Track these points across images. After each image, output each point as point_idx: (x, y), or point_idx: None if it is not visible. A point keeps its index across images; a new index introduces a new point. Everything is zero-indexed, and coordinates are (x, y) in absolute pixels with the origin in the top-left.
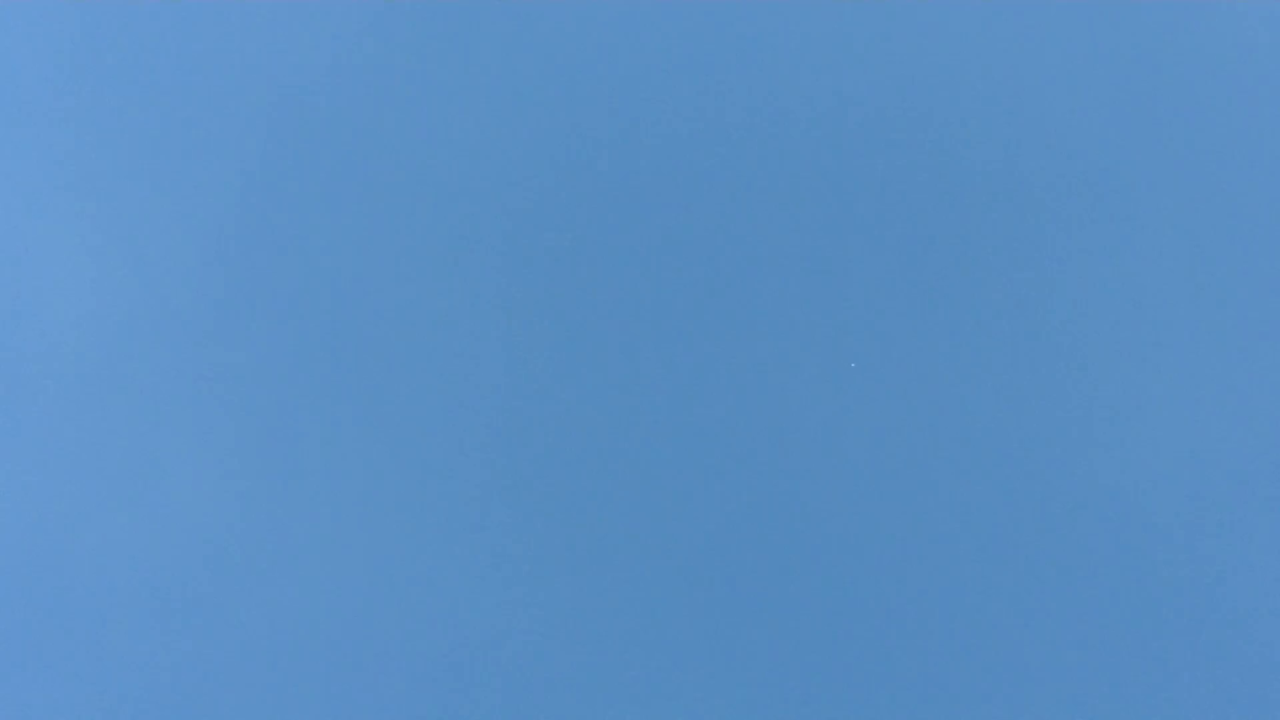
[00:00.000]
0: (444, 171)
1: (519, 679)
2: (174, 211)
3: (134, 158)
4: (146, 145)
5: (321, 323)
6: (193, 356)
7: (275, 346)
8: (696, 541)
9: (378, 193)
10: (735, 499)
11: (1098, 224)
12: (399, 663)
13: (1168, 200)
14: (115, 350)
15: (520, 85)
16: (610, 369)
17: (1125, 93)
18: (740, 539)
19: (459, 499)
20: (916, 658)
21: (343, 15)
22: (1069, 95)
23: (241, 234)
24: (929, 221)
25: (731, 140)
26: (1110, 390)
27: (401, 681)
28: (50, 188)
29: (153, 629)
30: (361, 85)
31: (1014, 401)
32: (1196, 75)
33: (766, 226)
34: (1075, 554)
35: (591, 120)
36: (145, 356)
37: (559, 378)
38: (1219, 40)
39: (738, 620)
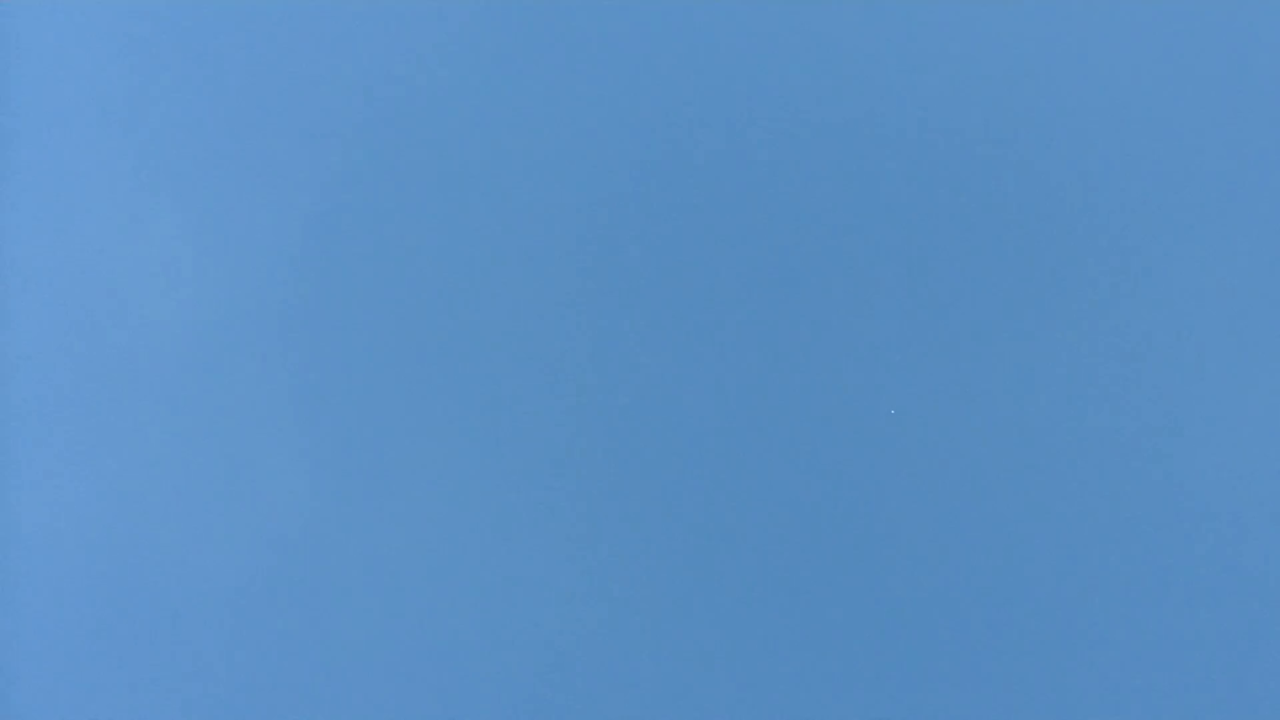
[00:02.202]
0: (538, 173)
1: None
2: (270, 209)
3: (229, 150)
4: (242, 137)
5: (415, 320)
6: (286, 352)
7: (366, 343)
8: (741, 546)
9: (470, 187)
10: (786, 503)
11: (1158, 228)
12: (482, 657)
13: (1230, 198)
14: (211, 345)
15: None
16: (618, 370)
17: (1155, 89)
18: (797, 544)
19: (547, 505)
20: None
21: (436, 13)
22: (1100, 95)
23: (341, 229)
24: (971, 226)
25: (782, 150)
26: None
27: (485, 675)
28: (143, 182)
29: (245, 624)
30: (454, 82)
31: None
32: (1221, 69)
33: (800, 230)
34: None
35: (610, 130)
36: (241, 351)
37: (590, 386)
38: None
39: (790, 637)
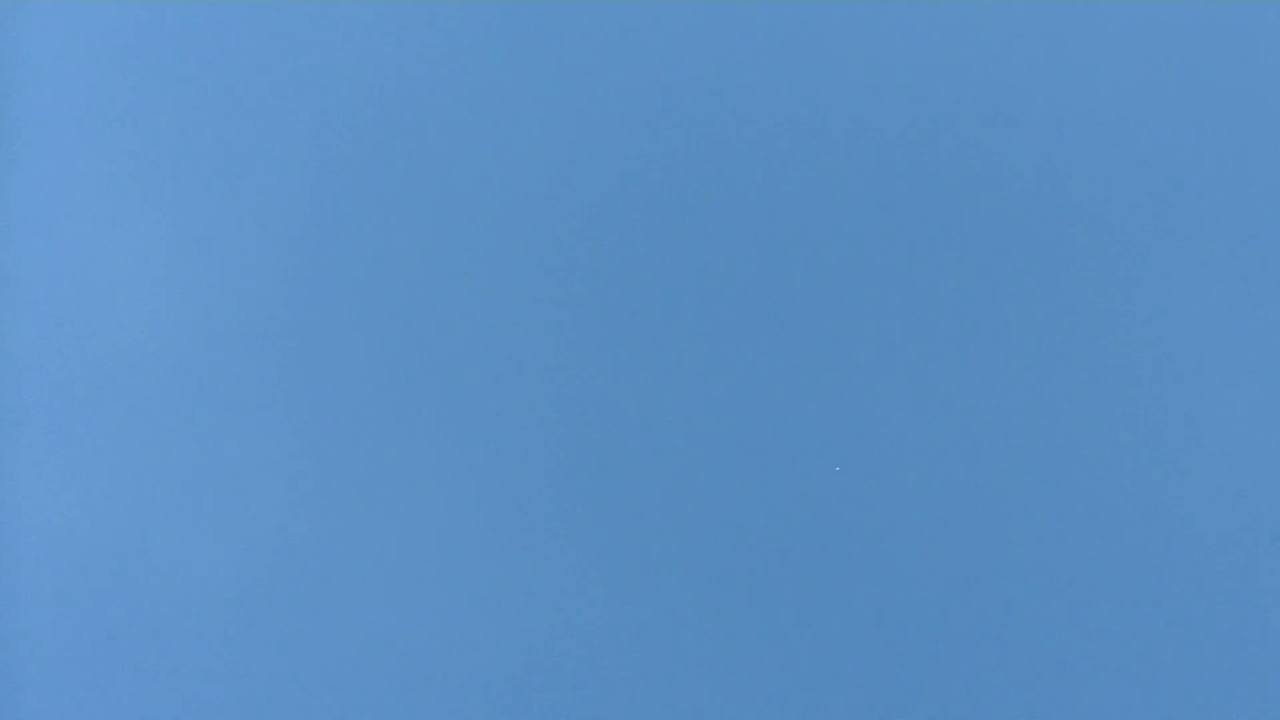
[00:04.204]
0: (520, 182)
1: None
2: (250, 219)
3: (209, 160)
4: (221, 147)
5: (399, 333)
6: (268, 365)
7: (348, 355)
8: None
9: (460, 189)
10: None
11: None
12: (459, 672)
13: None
14: (190, 357)
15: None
16: (612, 372)
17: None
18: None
19: (536, 508)
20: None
21: (416, 20)
22: (1098, 96)
23: (321, 241)
24: (978, 232)
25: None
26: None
27: (465, 690)
28: (121, 192)
29: (226, 639)
30: (439, 88)
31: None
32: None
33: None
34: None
35: (606, 130)
36: (220, 364)
37: (573, 389)
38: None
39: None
